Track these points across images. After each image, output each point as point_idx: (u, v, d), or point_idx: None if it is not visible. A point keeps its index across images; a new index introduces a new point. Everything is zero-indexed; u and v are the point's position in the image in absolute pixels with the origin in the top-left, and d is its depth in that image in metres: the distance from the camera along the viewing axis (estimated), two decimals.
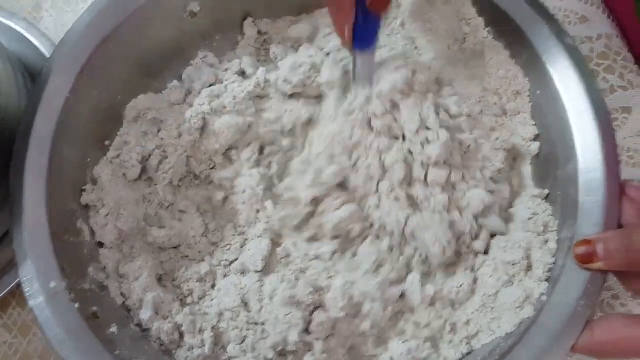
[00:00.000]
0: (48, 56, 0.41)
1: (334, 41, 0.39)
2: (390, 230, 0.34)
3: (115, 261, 0.34)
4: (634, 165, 0.41)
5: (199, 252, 0.36)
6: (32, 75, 0.41)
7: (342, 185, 0.35)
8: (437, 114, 0.35)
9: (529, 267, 0.33)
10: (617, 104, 0.43)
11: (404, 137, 0.34)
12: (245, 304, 0.34)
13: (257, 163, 0.38)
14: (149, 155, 0.37)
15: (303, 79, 0.37)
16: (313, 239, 0.35)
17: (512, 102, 0.37)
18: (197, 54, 0.40)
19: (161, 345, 0.33)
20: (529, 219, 0.34)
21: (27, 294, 0.30)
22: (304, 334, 0.32)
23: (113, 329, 0.31)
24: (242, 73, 0.40)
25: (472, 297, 0.34)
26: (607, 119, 0.33)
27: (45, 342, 0.36)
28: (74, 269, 0.31)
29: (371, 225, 0.34)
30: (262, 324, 0.33)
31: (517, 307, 0.32)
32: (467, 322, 0.33)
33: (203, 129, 0.38)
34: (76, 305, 0.30)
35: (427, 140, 0.34)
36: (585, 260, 0.29)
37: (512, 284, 0.33)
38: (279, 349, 0.32)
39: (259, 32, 0.41)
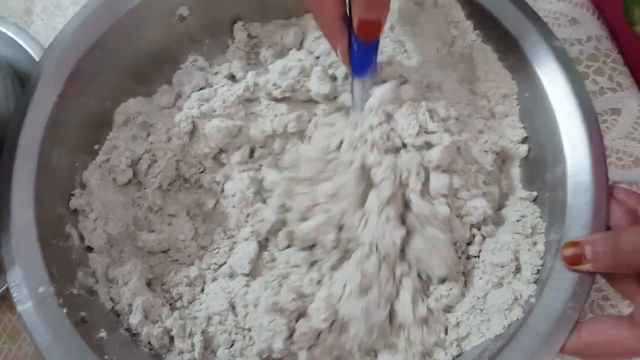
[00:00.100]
0: (38, 60, 0.41)
1: (324, 45, 0.39)
2: (384, 253, 0.33)
3: (104, 266, 0.34)
4: (623, 167, 0.42)
5: (189, 256, 0.36)
6: (22, 79, 0.41)
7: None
8: (432, 118, 0.35)
9: (517, 270, 0.33)
10: (607, 106, 0.43)
11: (404, 145, 0.34)
12: (233, 308, 0.34)
13: (247, 167, 0.38)
14: (139, 159, 0.37)
15: (293, 84, 0.37)
16: (288, 246, 0.36)
17: (500, 105, 0.37)
18: (187, 58, 0.40)
19: (151, 350, 0.32)
20: (518, 221, 0.34)
21: (16, 299, 0.29)
22: (289, 341, 0.32)
23: (102, 334, 0.31)
24: (232, 77, 0.40)
25: (461, 299, 0.34)
26: (595, 121, 0.33)
27: (34, 347, 0.36)
28: (63, 274, 0.31)
29: (357, 243, 0.34)
30: (249, 330, 0.33)
31: (506, 309, 0.32)
32: (457, 324, 0.33)
33: (193, 133, 0.38)
34: (65, 310, 0.30)
35: (430, 145, 0.34)
36: (573, 262, 0.30)
37: (502, 286, 0.33)
38: (264, 356, 0.32)
39: (249, 35, 0.41)
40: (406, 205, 0.33)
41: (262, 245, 0.36)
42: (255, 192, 0.37)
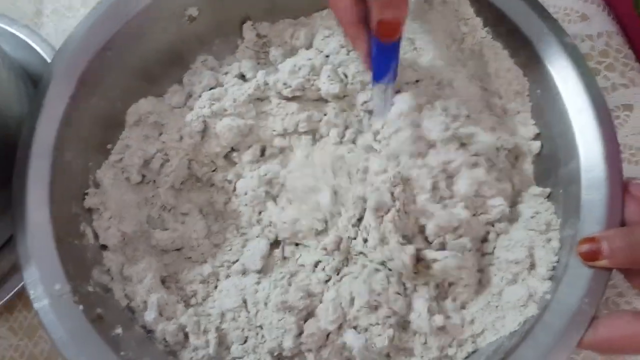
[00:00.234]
0: (49, 62, 0.41)
1: (333, 43, 0.39)
2: (396, 271, 0.33)
3: (119, 264, 0.34)
4: (637, 163, 0.41)
5: (202, 254, 0.36)
6: (35, 81, 0.41)
7: None
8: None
9: (532, 266, 0.33)
10: (619, 102, 0.43)
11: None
12: (246, 305, 0.34)
13: (258, 165, 0.38)
14: (151, 158, 0.37)
15: (303, 82, 0.37)
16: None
17: (512, 102, 0.37)
18: (197, 58, 0.40)
19: (166, 346, 0.33)
20: (532, 217, 0.34)
21: (32, 297, 0.30)
22: (298, 340, 0.32)
23: (118, 330, 0.31)
24: (242, 76, 0.40)
25: (477, 296, 0.33)
26: (608, 117, 0.33)
27: (50, 344, 0.36)
28: (78, 272, 0.31)
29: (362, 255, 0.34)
30: (261, 327, 0.33)
31: (521, 305, 0.32)
32: (472, 321, 0.33)
33: (204, 132, 0.38)
34: (81, 307, 0.30)
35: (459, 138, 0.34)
36: (590, 258, 0.29)
37: (516, 282, 0.33)
38: (276, 354, 0.32)
39: (258, 35, 0.41)
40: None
41: (274, 243, 0.36)
42: (267, 190, 0.37)
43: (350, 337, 0.32)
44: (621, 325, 0.28)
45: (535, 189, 0.36)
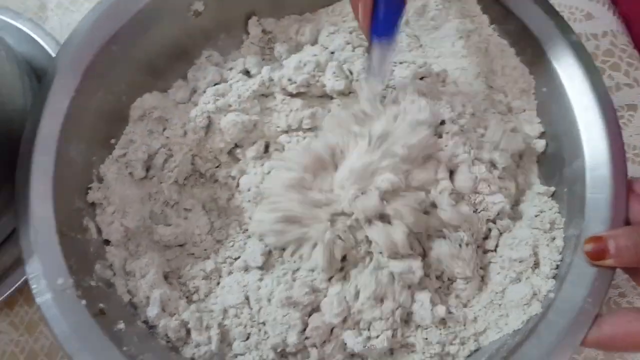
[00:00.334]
0: (54, 56, 0.41)
1: (339, 40, 0.39)
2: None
3: (121, 259, 0.34)
4: None
5: (205, 250, 0.36)
6: (39, 75, 0.41)
7: None
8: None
9: (536, 265, 0.33)
10: (623, 102, 0.43)
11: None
12: (248, 301, 0.34)
13: (262, 162, 0.38)
14: (155, 154, 0.37)
15: (307, 79, 0.37)
16: None
17: (517, 100, 0.37)
18: (202, 53, 0.40)
19: (168, 342, 0.33)
20: (536, 216, 0.34)
21: (35, 291, 0.30)
22: (303, 335, 0.32)
23: (120, 325, 0.31)
24: (246, 72, 0.40)
25: (479, 294, 0.33)
26: (613, 116, 0.33)
27: (52, 339, 0.36)
28: (81, 266, 0.31)
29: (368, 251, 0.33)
30: (263, 324, 0.33)
31: (525, 304, 0.32)
32: (475, 319, 0.33)
33: (208, 127, 0.38)
34: (83, 302, 0.30)
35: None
36: (596, 257, 0.29)
37: (520, 281, 0.33)
38: (279, 350, 0.32)
39: (263, 31, 0.41)
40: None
41: None
42: None
43: (350, 340, 0.32)
44: (625, 323, 0.28)
45: (540, 188, 0.36)
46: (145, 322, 0.33)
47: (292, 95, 0.38)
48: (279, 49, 0.40)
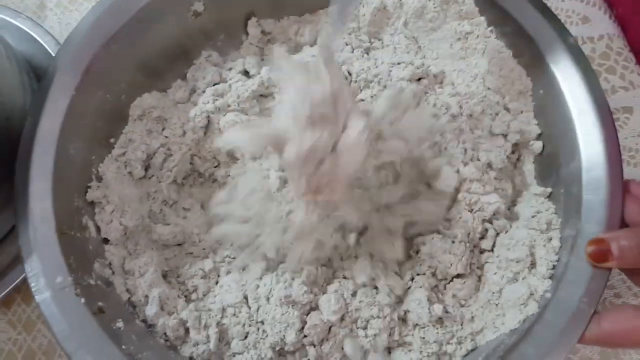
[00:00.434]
0: (53, 55, 0.41)
1: (337, 41, 0.39)
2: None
3: (120, 257, 0.34)
4: (636, 165, 0.42)
5: (203, 249, 0.36)
6: (38, 74, 0.41)
7: None
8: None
9: (533, 265, 0.33)
10: (619, 105, 0.43)
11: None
12: (247, 300, 0.34)
13: (261, 161, 0.38)
14: (154, 153, 0.37)
15: None
16: None
17: (514, 102, 0.37)
18: (202, 54, 0.41)
19: (167, 341, 0.33)
20: (533, 217, 0.34)
21: (34, 289, 0.30)
22: (301, 334, 0.32)
23: (119, 324, 0.31)
24: (245, 73, 0.40)
25: (476, 293, 0.34)
26: (609, 118, 0.33)
27: (50, 337, 0.36)
28: (80, 265, 0.31)
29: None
30: (262, 322, 0.33)
31: (522, 304, 0.32)
32: (472, 319, 0.33)
33: (207, 127, 0.38)
34: (82, 300, 0.30)
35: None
36: (599, 259, 0.29)
37: (517, 281, 0.33)
38: (277, 348, 0.32)
39: (262, 32, 0.41)
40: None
41: None
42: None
43: (348, 348, 0.32)
44: (624, 320, 0.28)
45: (537, 189, 0.36)
46: (144, 320, 0.33)
47: None
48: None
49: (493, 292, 0.33)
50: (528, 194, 0.36)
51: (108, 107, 0.36)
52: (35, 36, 0.43)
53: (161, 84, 0.39)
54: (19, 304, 0.39)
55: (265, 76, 0.38)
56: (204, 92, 0.39)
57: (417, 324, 0.33)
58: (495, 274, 0.33)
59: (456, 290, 0.33)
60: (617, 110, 0.43)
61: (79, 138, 0.34)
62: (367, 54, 0.39)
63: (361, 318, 0.32)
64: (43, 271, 0.30)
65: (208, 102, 0.38)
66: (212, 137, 0.38)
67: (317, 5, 0.41)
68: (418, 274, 0.34)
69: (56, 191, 0.32)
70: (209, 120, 0.38)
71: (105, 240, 0.34)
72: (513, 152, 0.37)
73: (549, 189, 0.35)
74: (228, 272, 0.35)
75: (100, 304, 0.31)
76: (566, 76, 0.35)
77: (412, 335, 0.33)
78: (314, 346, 0.32)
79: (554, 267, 0.32)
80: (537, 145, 0.37)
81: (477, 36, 0.38)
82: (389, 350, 0.33)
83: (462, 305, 0.34)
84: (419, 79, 0.38)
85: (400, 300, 0.33)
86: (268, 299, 0.33)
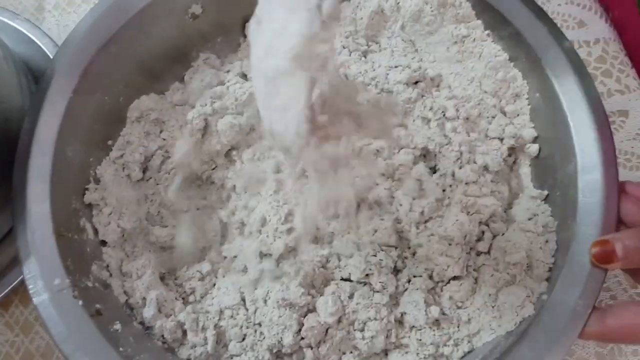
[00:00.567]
0: (51, 57, 0.41)
1: (335, 45, 0.39)
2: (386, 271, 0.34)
3: (118, 260, 0.34)
4: (632, 168, 0.42)
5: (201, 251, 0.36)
6: (36, 76, 0.41)
7: None
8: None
9: (529, 267, 0.33)
10: (615, 108, 0.44)
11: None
12: (244, 302, 0.34)
13: (259, 164, 0.38)
14: (152, 155, 0.37)
15: None
16: None
17: (511, 105, 0.38)
18: (199, 56, 0.41)
19: (164, 343, 0.33)
20: (529, 219, 0.35)
21: (32, 291, 0.30)
22: (299, 336, 0.32)
23: (117, 326, 0.31)
24: (243, 75, 0.40)
25: (473, 295, 0.34)
26: (605, 121, 0.34)
27: (48, 339, 0.36)
28: (78, 267, 0.31)
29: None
30: (259, 325, 0.33)
31: (518, 306, 0.32)
32: (469, 321, 0.33)
33: (205, 130, 0.38)
34: (80, 302, 0.30)
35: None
36: (603, 260, 0.29)
37: (513, 283, 0.33)
38: (275, 350, 0.32)
39: None
40: None
41: None
42: None
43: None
44: (630, 315, 0.28)
45: (533, 191, 0.36)
46: (142, 323, 0.33)
47: None
48: None
49: (489, 294, 0.33)
50: (524, 197, 0.36)
51: (106, 109, 0.37)
52: (33, 38, 0.43)
53: (159, 86, 0.39)
54: (17, 306, 0.39)
55: None
56: (201, 94, 0.39)
57: (413, 326, 0.33)
58: (491, 276, 0.34)
59: (453, 292, 0.34)
60: (613, 114, 0.43)
61: (77, 140, 0.35)
62: (365, 57, 0.39)
63: (358, 320, 0.32)
64: (41, 273, 0.30)
65: (205, 105, 0.38)
66: (210, 139, 0.38)
67: None
68: (415, 276, 0.34)
69: (54, 193, 0.32)
70: (206, 123, 0.38)
71: (103, 243, 0.34)
72: (509, 155, 0.37)
73: (545, 192, 0.36)
74: (225, 274, 0.35)
75: (97, 306, 0.31)
76: (562, 80, 0.35)
77: (409, 337, 0.33)
78: (311, 348, 0.32)
79: (550, 269, 0.32)
80: (533, 148, 0.37)
81: (474, 40, 0.39)
82: (385, 352, 0.33)
83: (458, 307, 0.34)
84: (416, 82, 0.38)
85: (396, 302, 0.34)
86: (265, 301, 0.33)
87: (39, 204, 0.31)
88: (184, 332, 0.33)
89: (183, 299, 0.34)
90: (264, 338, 0.33)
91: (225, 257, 0.36)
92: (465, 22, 0.39)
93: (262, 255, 0.35)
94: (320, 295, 0.33)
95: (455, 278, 0.34)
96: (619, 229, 0.31)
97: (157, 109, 0.38)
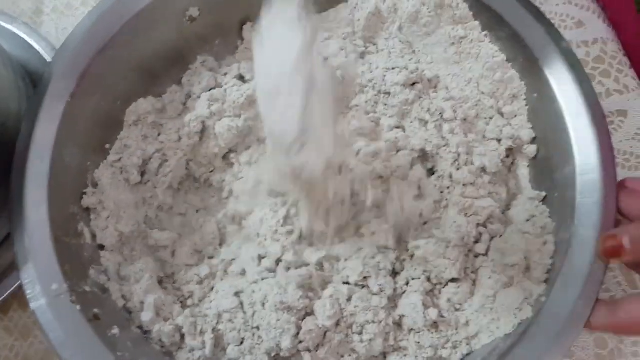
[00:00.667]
0: (49, 61, 0.41)
1: (333, 46, 0.39)
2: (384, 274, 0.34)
3: (116, 264, 0.34)
4: (630, 169, 0.42)
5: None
6: (34, 80, 0.41)
7: None
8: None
9: (527, 269, 0.33)
10: (613, 108, 0.43)
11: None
12: (242, 306, 0.34)
13: (257, 167, 0.38)
14: (150, 158, 0.37)
15: None
16: None
17: (508, 106, 0.38)
18: (197, 59, 0.41)
19: (162, 347, 0.33)
20: (527, 221, 0.34)
21: (29, 296, 0.30)
22: (297, 340, 0.32)
23: (115, 331, 0.31)
24: (241, 78, 0.40)
25: (471, 298, 0.34)
26: (603, 121, 0.33)
27: (47, 344, 0.36)
28: (76, 272, 0.31)
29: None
30: (257, 328, 0.33)
31: (516, 308, 0.32)
32: (467, 323, 0.33)
33: (203, 132, 0.38)
34: (78, 307, 0.30)
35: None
36: (612, 254, 0.29)
37: (511, 285, 0.33)
38: (273, 354, 0.32)
39: None
40: None
41: None
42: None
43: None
44: (638, 308, 0.28)
45: (531, 193, 0.36)
46: (140, 327, 0.33)
47: None
48: None
49: (488, 297, 0.33)
50: (522, 198, 0.36)
51: (103, 112, 0.37)
52: (31, 42, 0.43)
53: (156, 89, 0.39)
54: (16, 310, 0.39)
55: None
56: (199, 97, 0.39)
57: (412, 329, 0.33)
58: (489, 278, 0.34)
59: (451, 294, 0.34)
60: (611, 114, 0.43)
61: (75, 144, 0.35)
62: (362, 58, 0.39)
63: (356, 323, 0.32)
64: (39, 278, 0.30)
65: (203, 108, 0.38)
66: (208, 142, 0.38)
67: (311, 10, 0.41)
68: (413, 278, 0.34)
69: (51, 197, 0.32)
70: (204, 126, 0.38)
71: (101, 247, 0.34)
72: (507, 156, 0.37)
73: (544, 193, 0.35)
74: (224, 278, 0.35)
75: (95, 310, 0.31)
76: (560, 80, 0.35)
77: (408, 340, 0.33)
78: (310, 352, 0.32)
79: (548, 271, 0.32)
80: (531, 149, 0.37)
81: (471, 41, 0.38)
82: (384, 355, 0.33)
83: (457, 310, 0.34)
84: (414, 84, 0.38)
85: (394, 305, 0.34)
86: (263, 305, 0.33)
87: (36, 208, 0.31)
88: (182, 336, 0.33)
89: (181, 302, 0.34)
90: (262, 342, 0.32)
91: (223, 260, 0.36)
92: (463, 23, 0.39)
93: (261, 258, 0.35)
94: (318, 299, 0.33)
95: (453, 280, 0.34)
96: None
97: (154, 112, 0.38)
